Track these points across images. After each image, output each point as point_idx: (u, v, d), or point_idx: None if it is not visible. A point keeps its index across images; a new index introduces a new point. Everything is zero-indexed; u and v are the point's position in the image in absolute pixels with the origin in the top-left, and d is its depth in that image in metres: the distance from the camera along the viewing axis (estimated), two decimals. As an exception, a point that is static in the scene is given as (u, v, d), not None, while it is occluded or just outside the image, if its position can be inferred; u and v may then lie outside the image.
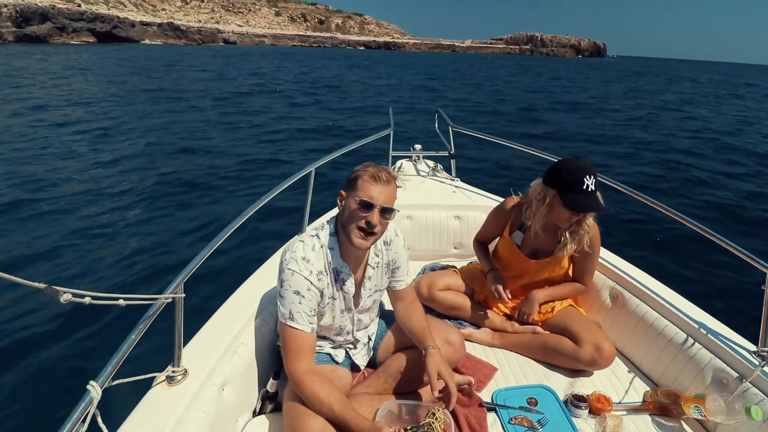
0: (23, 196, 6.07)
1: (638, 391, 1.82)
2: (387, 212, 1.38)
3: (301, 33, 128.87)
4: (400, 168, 3.73)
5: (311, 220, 2.30)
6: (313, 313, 1.42)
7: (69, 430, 0.90)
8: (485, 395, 1.75)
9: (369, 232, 1.37)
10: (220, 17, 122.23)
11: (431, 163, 3.82)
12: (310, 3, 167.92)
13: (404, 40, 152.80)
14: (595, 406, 1.65)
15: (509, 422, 1.61)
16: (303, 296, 1.38)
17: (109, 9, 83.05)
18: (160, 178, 7.11)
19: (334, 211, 1.66)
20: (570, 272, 2.10)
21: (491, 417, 1.64)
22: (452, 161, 3.56)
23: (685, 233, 5.13)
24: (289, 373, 1.36)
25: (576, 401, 1.66)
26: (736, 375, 1.55)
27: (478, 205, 2.94)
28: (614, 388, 1.83)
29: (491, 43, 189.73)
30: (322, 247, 1.45)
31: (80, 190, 6.58)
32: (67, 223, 5.31)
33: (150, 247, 4.76)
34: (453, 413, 1.60)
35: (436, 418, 1.39)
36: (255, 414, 1.57)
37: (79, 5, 73.79)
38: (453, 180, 3.43)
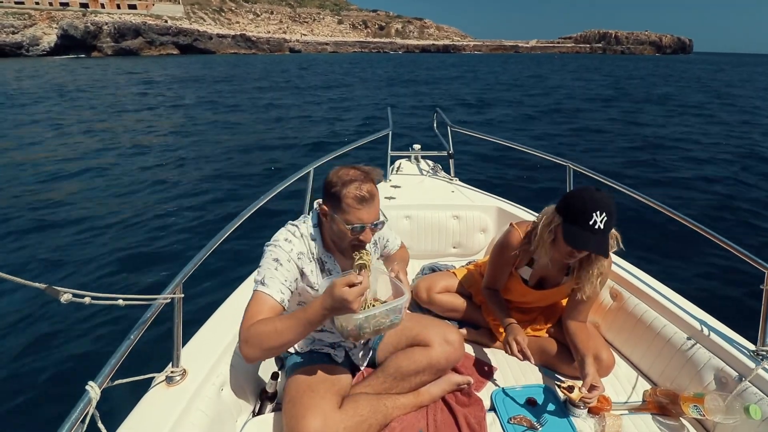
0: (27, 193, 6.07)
1: (637, 390, 1.82)
2: (377, 226, 1.38)
3: (361, 39, 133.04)
4: (399, 168, 3.74)
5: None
6: (288, 284, 1.37)
7: (68, 430, 0.90)
8: (484, 395, 1.75)
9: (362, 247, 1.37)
10: (287, 27, 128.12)
11: (430, 163, 3.82)
12: (371, 10, 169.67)
13: (464, 43, 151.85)
14: (594, 406, 1.65)
15: (508, 422, 1.61)
16: (281, 264, 1.37)
17: (191, 24, 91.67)
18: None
19: None
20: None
21: (490, 417, 1.64)
22: (451, 161, 3.57)
23: (684, 232, 5.13)
24: (240, 335, 1.26)
25: (585, 399, 1.66)
26: (735, 374, 1.55)
27: (477, 204, 2.94)
28: (613, 387, 1.83)
29: (558, 43, 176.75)
30: (302, 236, 1.46)
31: (82, 188, 6.57)
32: (66, 222, 5.30)
33: (150, 247, 4.76)
34: (452, 413, 1.60)
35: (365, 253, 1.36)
36: (254, 414, 1.57)
37: (166, 21, 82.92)
38: (452, 180, 3.43)
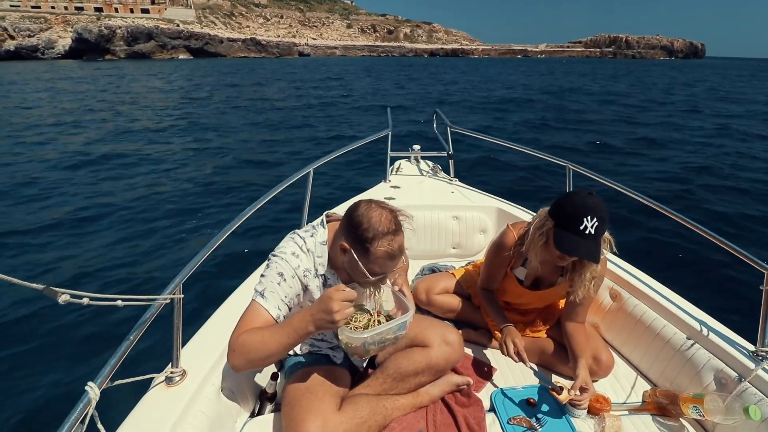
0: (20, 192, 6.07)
1: (637, 391, 1.82)
2: (396, 270, 1.39)
3: (369, 43, 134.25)
4: (398, 168, 3.74)
5: (310, 220, 2.30)
6: (287, 300, 1.36)
7: (67, 431, 0.90)
8: (484, 395, 1.75)
9: None
10: (297, 32, 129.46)
11: (430, 164, 3.83)
12: (380, 14, 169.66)
13: (473, 47, 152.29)
14: (594, 407, 1.65)
15: (508, 422, 1.61)
16: (285, 280, 1.35)
17: (202, 28, 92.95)
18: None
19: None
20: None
21: (490, 417, 1.64)
22: (450, 161, 3.57)
23: (684, 233, 5.14)
24: (229, 344, 1.26)
25: (575, 401, 1.66)
26: (735, 375, 1.55)
27: (476, 205, 2.94)
28: (613, 388, 1.84)
29: (568, 47, 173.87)
30: (309, 251, 1.43)
31: (83, 183, 6.57)
32: (65, 222, 5.30)
33: (149, 248, 4.76)
34: (452, 413, 1.60)
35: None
36: (253, 415, 1.57)
37: (178, 25, 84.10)
38: (451, 180, 3.43)
